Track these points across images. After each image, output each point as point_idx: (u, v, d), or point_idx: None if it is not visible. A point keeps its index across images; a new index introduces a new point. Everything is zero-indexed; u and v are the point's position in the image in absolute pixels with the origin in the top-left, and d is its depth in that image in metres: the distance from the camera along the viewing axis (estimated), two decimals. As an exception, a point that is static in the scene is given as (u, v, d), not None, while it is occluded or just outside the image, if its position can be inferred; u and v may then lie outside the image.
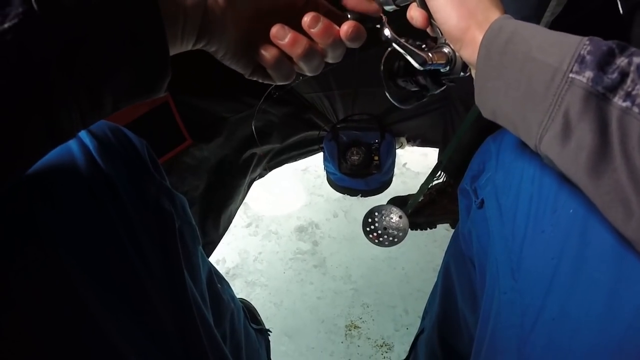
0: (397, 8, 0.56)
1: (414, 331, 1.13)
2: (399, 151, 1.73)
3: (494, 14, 0.47)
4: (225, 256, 1.57)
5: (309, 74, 0.50)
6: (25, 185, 0.40)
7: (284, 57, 0.47)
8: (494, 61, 0.45)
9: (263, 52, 0.46)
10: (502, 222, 0.54)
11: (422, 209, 1.56)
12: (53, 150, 0.44)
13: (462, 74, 0.55)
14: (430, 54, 0.54)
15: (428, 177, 1.27)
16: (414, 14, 0.54)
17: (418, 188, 1.60)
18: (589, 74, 0.38)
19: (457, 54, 0.53)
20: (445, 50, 0.53)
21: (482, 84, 0.47)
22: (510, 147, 0.57)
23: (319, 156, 1.76)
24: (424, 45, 0.55)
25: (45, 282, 0.38)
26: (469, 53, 0.48)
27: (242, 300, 1.22)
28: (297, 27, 0.46)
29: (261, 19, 0.46)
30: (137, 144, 0.53)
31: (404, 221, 1.35)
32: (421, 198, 1.37)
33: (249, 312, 1.13)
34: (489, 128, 1.25)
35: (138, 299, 0.44)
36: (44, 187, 0.41)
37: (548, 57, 0.40)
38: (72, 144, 0.46)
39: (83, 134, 0.47)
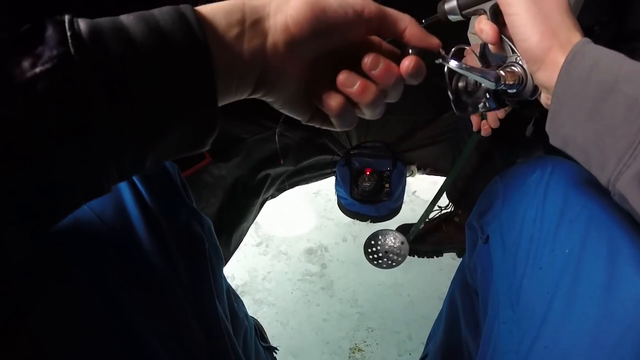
0: (463, 19, 0.54)
1: (416, 357, 1.16)
2: (409, 179, 1.76)
3: (575, 36, 0.45)
4: (234, 273, 1.60)
5: (369, 118, 0.47)
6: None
7: (349, 105, 0.44)
8: (575, 88, 0.42)
9: (328, 100, 0.43)
10: (505, 257, 0.58)
11: (428, 237, 1.59)
12: None
13: (530, 97, 0.51)
14: (502, 72, 0.50)
15: (429, 205, 1.30)
16: (485, 27, 0.51)
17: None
18: None
19: (528, 74, 0.50)
20: (516, 69, 0.50)
21: (557, 110, 0.45)
22: (516, 188, 0.60)
23: (331, 180, 1.80)
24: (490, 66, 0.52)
25: (86, 290, 0.42)
26: (548, 76, 0.46)
27: (251, 318, 1.24)
28: (352, 69, 0.44)
29: (321, 64, 0.44)
30: (169, 168, 0.56)
31: (405, 247, 1.38)
32: (422, 226, 1.40)
33: (258, 329, 1.16)
34: (489, 157, 1.29)
35: (174, 316, 0.48)
36: (90, 209, 0.45)
37: (635, 90, 0.38)
38: None
39: None
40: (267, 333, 1.28)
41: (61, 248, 0.42)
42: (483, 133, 1.07)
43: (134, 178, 0.49)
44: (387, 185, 1.67)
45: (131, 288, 0.44)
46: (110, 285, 0.43)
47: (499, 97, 0.54)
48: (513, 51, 0.50)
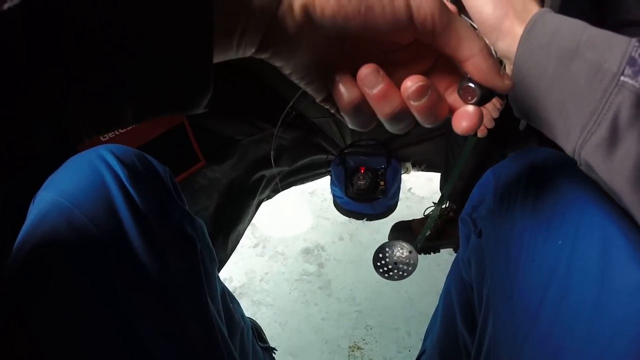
0: None
1: (416, 353, 1.15)
2: (404, 176, 1.77)
3: (532, 5, 0.44)
4: (232, 275, 1.60)
5: (390, 131, 0.38)
6: (66, 209, 0.44)
7: (366, 104, 0.36)
8: (536, 55, 0.41)
9: (342, 89, 0.35)
10: (498, 250, 0.58)
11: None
12: (87, 177, 0.48)
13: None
14: None
15: (433, 210, 1.30)
16: None
17: (422, 212, 1.64)
18: None
19: (490, 48, 0.47)
20: None
21: (519, 80, 0.43)
22: (508, 181, 0.60)
23: (327, 179, 1.80)
24: None
25: (85, 292, 0.42)
26: (507, 45, 0.44)
27: (249, 319, 1.24)
28: (392, 64, 0.37)
29: (348, 43, 0.35)
30: (160, 171, 0.56)
31: (414, 256, 1.37)
32: (428, 232, 1.40)
33: (256, 330, 1.16)
34: (488, 155, 1.29)
35: (172, 318, 0.48)
36: (82, 213, 0.45)
37: (597, 55, 0.37)
38: (104, 171, 0.48)
39: (113, 161, 0.50)
40: (266, 334, 1.28)
41: (61, 252, 0.42)
42: (479, 134, 1.07)
43: (125, 181, 0.49)
44: (382, 182, 1.67)
45: (128, 290, 0.45)
46: (109, 288, 0.43)
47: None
48: (474, 28, 0.49)
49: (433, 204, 1.55)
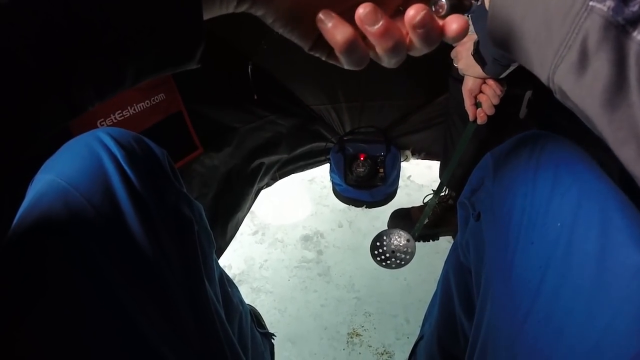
0: None
1: (414, 340, 1.16)
2: (403, 164, 1.76)
3: None
4: (231, 262, 1.60)
5: (384, 65, 0.40)
6: (62, 190, 0.44)
7: (360, 40, 0.37)
8: None
9: (333, 30, 0.36)
10: (497, 233, 0.57)
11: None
12: (84, 159, 0.48)
13: (474, 1, 0.50)
14: None
15: (432, 198, 1.30)
16: None
17: (422, 200, 1.64)
18: (610, 3, 0.36)
19: None
20: None
21: (496, 11, 0.45)
22: (507, 163, 0.60)
23: (326, 167, 1.80)
24: None
25: (83, 283, 0.42)
26: None
27: (248, 306, 1.24)
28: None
29: None
30: (158, 153, 0.56)
31: (411, 244, 1.37)
32: (426, 221, 1.40)
33: (255, 317, 1.16)
34: (487, 143, 1.29)
35: (165, 300, 0.47)
36: (79, 193, 0.45)
37: None
38: (101, 153, 0.48)
39: (110, 143, 0.50)
40: (265, 320, 1.28)
41: (57, 233, 0.41)
42: (479, 121, 1.07)
43: (122, 162, 0.49)
44: (381, 170, 1.67)
45: (127, 283, 0.44)
46: (109, 283, 0.43)
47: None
48: None
49: (432, 192, 1.55)
